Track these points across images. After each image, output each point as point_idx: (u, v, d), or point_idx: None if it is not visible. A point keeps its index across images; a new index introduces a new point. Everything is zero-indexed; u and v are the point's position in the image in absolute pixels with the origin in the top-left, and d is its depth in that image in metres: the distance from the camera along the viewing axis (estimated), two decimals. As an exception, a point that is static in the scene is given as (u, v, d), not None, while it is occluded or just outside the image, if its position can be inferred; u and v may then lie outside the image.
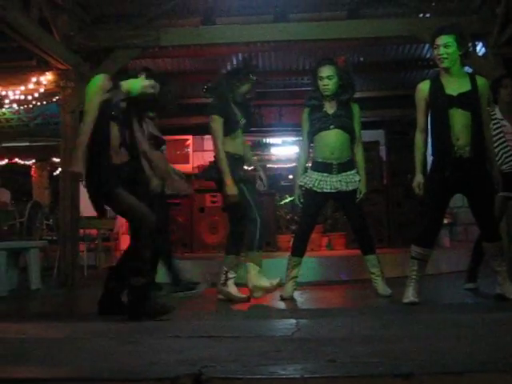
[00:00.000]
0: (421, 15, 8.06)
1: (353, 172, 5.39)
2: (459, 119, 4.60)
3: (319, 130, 5.38)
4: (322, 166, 5.37)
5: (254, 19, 7.99)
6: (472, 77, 4.74)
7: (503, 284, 4.78)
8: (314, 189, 5.33)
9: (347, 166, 5.38)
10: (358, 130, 5.46)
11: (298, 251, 5.49)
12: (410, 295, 4.75)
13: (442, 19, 7.29)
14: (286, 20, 7.86)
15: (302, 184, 5.44)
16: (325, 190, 5.31)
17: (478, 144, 4.64)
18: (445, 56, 4.65)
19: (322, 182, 5.32)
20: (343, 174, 5.34)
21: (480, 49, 8.33)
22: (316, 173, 5.39)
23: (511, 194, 5.60)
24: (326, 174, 5.33)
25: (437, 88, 4.73)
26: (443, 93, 4.67)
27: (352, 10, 7.84)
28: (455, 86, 4.67)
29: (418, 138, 4.84)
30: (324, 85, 5.38)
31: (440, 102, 4.67)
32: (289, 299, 5.41)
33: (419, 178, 4.79)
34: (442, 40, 4.65)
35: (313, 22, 7.78)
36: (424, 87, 4.81)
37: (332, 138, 5.35)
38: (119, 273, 4.59)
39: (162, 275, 6.23)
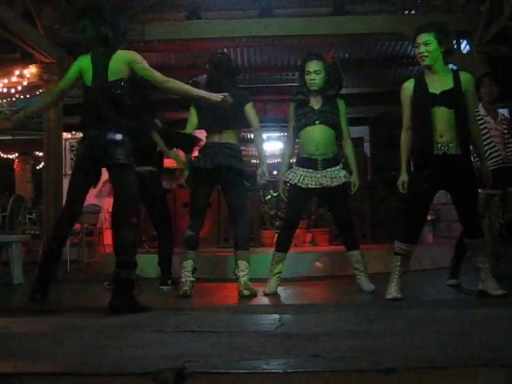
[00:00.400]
0: (406, 12, 8.10)
1: (337, 168, 5.40)
2: (442, 117, 4.62)
3: (304, 125, 5.38)
4: (306, 162, 5.37)
5: (240, 14, 8.00)
6: (456, 73, 4.75)
7: (485, 280, 4.81)
8: (299, 184, 5.33)
9: (332, 161, 5.38)
10: (344, 125, 5.46)
11: (283, 247, 5.50)
12: (392, 291, 4.77)
13: (427, 16, 7.35)
14: (272, 15, 7.87)
15: (287, 180, 5.44)
16: (309, 186, 5.31)
17: (464, 141, 4.67)
18: (425, 54, 4.67)
19: (306, 178, 5.32)
20: (328, 169, 5.34)
21: (464, 46, 8.39)
22: (301, 168, 5.39)
23: (495, 192, 5.65)
24: (310, 170, 5.33)
25: (420, 86, 4.74)
26: (426, 91, 4.69)
27: (337, 6, 7.86)
28: (438, 83, 4.68)
29: (404, 136, 4.85)
30: (311, 79, 5.38)
31: (423, 101, 4.68)
32: (272, 294, 5.41)
33: (404, 177, 4.81)
34: (422, 38, 4.67)
35: (298, 17, 7.79)
36: (408, 86, 4.82)
37: (317, 133, 5.34)
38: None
39: (151, 269, 6.25)
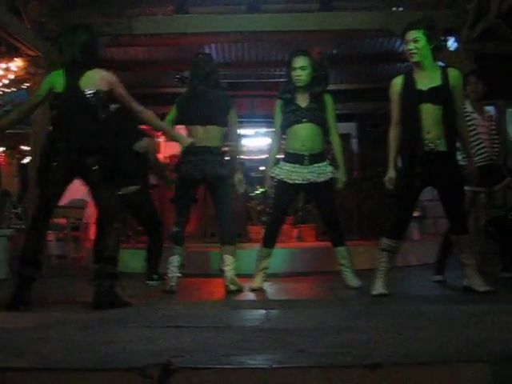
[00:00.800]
0: (394, 9, 8.10)
1: (324, 163, 5.40)
2: (430, 113, 4.62)
3: (292, 123, 5.37)
4: (293, 158, 5.37)
5: (227, 9, 7.98)
6: (444, 70, 4.75)
7: (471, 277, 4.83)
8: (286, 180, 5.33)
9: (319, 157, 5.38)
10: (332, 121, 5.45)
11: (269, 242, 5.50)
12: (378, 287, 4.79)
13: (415, 13, 7.35)
14: (259, 11, 7.84)
15: (274, 175, 5.44)
16: (296, 182, 5.31)
17: (451, 137, 4.68)
18: (414, 51, 4.67)
19: (293, 174, 5.32)
20: (315, 165, 5.34)
21: (452, 44, 8.41)
22: (288, 164, 5.39)
23: (481, 189, 5.67)
24: (297, 166, 5.33)
25: (408, 83, 4.75)
26: (414, 88, 4.69)
27: (325, 2, 7.84)
28: (426, 80, 4.69)
29: (392, 132, 4.86)
30: (297, 75, 5.37)
31: (411, 97, 4.69)
32: (259, 290, 5.42)
33: (391, 173, 4.81)
34: (411, 35, 4.67)
35: (286, 13, 7.78)
36: (397, 82, 4.82)
37: (304, 130, 5.34)
38: None
39: (138, 264, 6.23)
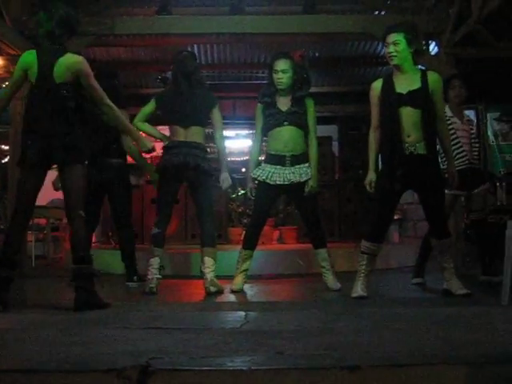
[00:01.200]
0: (376, 13, 8.15)
1: (306, 165, 5.40)
2: (409, 117, 4.65)
3: (273, 126, 5.38)
4: (275, 159, 5.37)
5: (210, 10, 7.99)
6: (424, 73, 4.78)
7: (450, 280, 4.87)
8: (267, 181, 5.33)
9: (301, 158, 5.38)
10: (312, 125, 5.45)
11: (250, 244, 5.50)
12: (358, 289, 4.80)
13: (397, 17, 7.40)
14: (242, 12, 7.85)
15: (255, 176, 5.44)
16: (278, 182, 5.31)
17: (430, 141, 4.71)
18: (394, 54, 4.69)
19: (275, 175, 5.32)
20: (296, 166, 5.34)
21: (433, 48, 8.47)
22: (269, 165, 5.39)
23: (460, 192, 5.71)
24: (279, 167, 5.34)
25: (388, 86, 4.77)
26: (393, 91, 4.72)
27: (308, 4, 7.86)
28: (406, 83, 4.71)
29: (372, 135, 4.88)
30: (278, 78, 5.37)
31: (390, 101, 4.71)
32: (239, 292, 5.41)
33: (371, 176, 4.83)
34: (392, 38, 4.70)
35: (269, 15, 7.80)
36: (377, 85, 4.84)
37: (285, 133, 5.34)
38: None
39: (118, 265, 6.21)
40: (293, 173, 5.32)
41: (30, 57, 4.43)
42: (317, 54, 10.25)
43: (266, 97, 5.47)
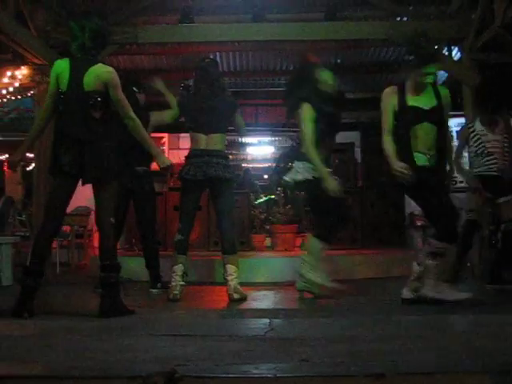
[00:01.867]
0: (398, 19, 8.13)
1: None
2: (428, 132, 4.70)
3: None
4: None
5: (232, 18, 8.01)
6: (436, 89, 4.82)
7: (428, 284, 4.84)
8: None
9: None
10: None
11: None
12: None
13: (419, 23, 7.38)
14: (264, 20, 7.87)
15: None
16: None
17: (441, 154, 4.76)
18: (429, 81, 4.75)
19: None
20: None
21: (456, 53, 8.43)
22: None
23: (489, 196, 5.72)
24: None
25: (404, 99, 4.78)
26: (412, 105, 4.74)
27: (329, 11, 7.87)
28: (423, 98, 4.73)
29: (388, 139, 4.84)
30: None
31: (410, 115, 4.73)
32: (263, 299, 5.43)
33: (399, 163, 4.68)
34: (431, 69, 4.72)
35: (290, 22, 7.81)
36: (392, 93, 4.86)
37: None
38: None
39: (142, 272, 6.24)
40: None
41: (62, 64, 4.49)
42: (339, 61, 10.25)
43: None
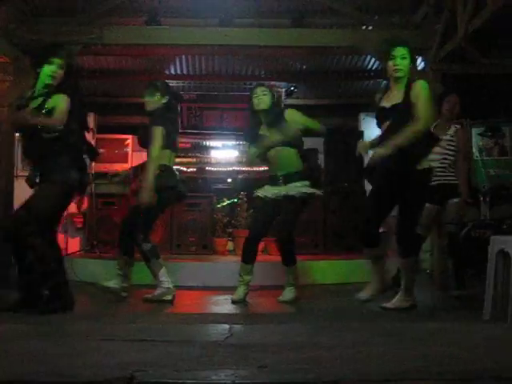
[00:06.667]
0: (363, 27, 8.21)
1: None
2: (392, 130, 4.68)
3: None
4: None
5: (199, 22, 8.00)
6: (408, 86, 4.76)
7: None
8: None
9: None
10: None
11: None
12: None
13: (384, 32, 7.48)
14: (231, 25, 7.89)
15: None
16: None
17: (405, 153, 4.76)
18: (401, 67, 4.72)
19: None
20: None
21: (420, 63, 8.54)
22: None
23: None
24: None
25: (380, 99, 4.85)
26: (380, 106, 4.80)
27: (296, 18, 7.92)
28: (392, 96, 4.78)
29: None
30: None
31: (376, 115, 4.80)
32: (239, 302, 5.49)
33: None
34: (400, 51, 4.73)
35: (257, 28, 7.84)
36: (378, 94, 4.95)
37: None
38: None
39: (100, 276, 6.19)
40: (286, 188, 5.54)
41: None
42: (304, 67, 10.29)
43: (251, 132, 5.84)
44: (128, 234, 5.48)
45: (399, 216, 4.83)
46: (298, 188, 5.49)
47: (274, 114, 5.60)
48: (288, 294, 5.53)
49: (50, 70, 4.72)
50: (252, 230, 5.69)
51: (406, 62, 4.73)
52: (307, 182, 5.58)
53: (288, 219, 5.53)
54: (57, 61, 4.73)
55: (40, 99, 4.70)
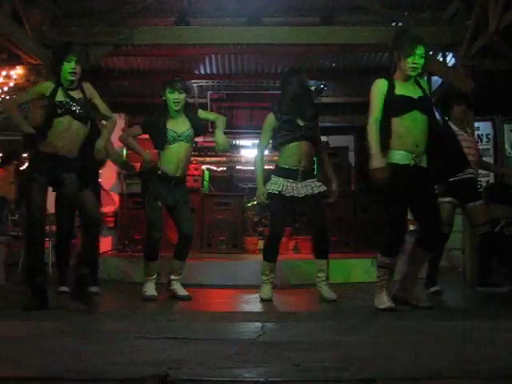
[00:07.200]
0: (393, 24, 8.16)
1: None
2: (418, 122, 4.62)
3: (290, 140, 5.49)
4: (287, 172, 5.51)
5: (228, 21, 8.02)
6: (418, 82, 4.77)
7: (412, 291, 4.88)
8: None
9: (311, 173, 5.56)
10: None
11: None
12: (385, 300, 4.69)
13: (414, 29, 7.41)
14: (260, 23, 7.89)
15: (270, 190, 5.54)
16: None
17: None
18: (418, 66, 4.68)
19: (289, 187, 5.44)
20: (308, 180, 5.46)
21: (450, 59, 8.47)
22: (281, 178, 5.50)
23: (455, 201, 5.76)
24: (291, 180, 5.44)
25: (393, 89, 4.70)
26: (401, 94, 4.67)
27: (325, 16, 7.89)
28: (410, 90, 4.71)
29: (375, 126, 4.67)
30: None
31: (399, 103, 4.65)
32: (269, 301, 5.48)
33: (379, 162, 4.59)
34: (420, 50, 4.66)
35: (286, 26, 7.83)
36: (383, 83, 4.76)
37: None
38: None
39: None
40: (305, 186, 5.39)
41: None
42: (334, 65, 10.26)
43: (286, 115, 5.53)
44: None
45: (426, 219, 4.73)
46: (315, 185, 5.46)
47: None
48: (330, 291, 5.49)
49: (69, 67, 4.81)
50: (273, 229, 5.63)
51: (423, 61, 4.68)
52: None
53: (322, 216, 5.50)
54: (74, 57, 4.82)
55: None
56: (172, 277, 5.62)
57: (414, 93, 4.69)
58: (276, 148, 5.61)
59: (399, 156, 4.60)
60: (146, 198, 5.53)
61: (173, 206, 5.57)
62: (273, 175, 5.55)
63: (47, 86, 4.89)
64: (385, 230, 4.83)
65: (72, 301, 4.76)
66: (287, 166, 5.46)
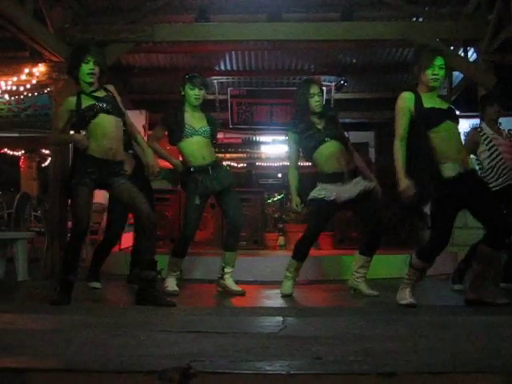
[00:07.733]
0: (414, 19, 8.13)
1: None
2: (452, 132, 4.64)
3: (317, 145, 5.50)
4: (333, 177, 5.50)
5: (248, 17, 8.03)
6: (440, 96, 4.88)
7: (489, 288, 4.82)
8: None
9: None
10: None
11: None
12: (407, 296, 4.70)
13: (435, 24, 7.39)
14: (280, 19, 7.90)
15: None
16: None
17: None
18: (439, 77, 4.67)
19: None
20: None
21: (471, 54, 8.42)
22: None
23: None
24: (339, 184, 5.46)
25: (421, 102, 4.67)
26: (430, 107, 4.66)
27: (346, 11, 7.87)
28: (437, 101, 4.72)
29: (399, 145, 4.75)
30: (316, 101, 5.54)
31: (430, 116, 4.63)
32: (289, 296, 5.53)
33: (407, 181, 4.65)
34: (440, 61, 4.65)
35: (306, 22, 7.83)
36: (409, 97, 4.70)
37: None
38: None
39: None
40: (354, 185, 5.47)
41: None
42: (354, 61, 10.26)
43: (301, 123, 5.56)
44: None
45: (491, 219, 4.63)
46: (360, 182, 5.49)
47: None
48: (369, 288, 5.52)
49: (88, 68, 4.85)
50: (312, 231, 5.60)
51: (443, 72, 4.67)
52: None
53: (379, 211, 5.59)
54: (92, 58, 4.85)
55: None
56: (226, 270, 5.62)
57: (441, 104, 4.73)
58: (308, 156, 5.60)
59: (448, 170, 4.55)
60: (189, 197, 5.55)
61: (220, 193, 5.60)
62: (319, 182, 5.52)
63: (71, 101, 4.91)
64: (430, 236, 4.77)
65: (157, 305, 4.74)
66: (330, 171, 5.46)
